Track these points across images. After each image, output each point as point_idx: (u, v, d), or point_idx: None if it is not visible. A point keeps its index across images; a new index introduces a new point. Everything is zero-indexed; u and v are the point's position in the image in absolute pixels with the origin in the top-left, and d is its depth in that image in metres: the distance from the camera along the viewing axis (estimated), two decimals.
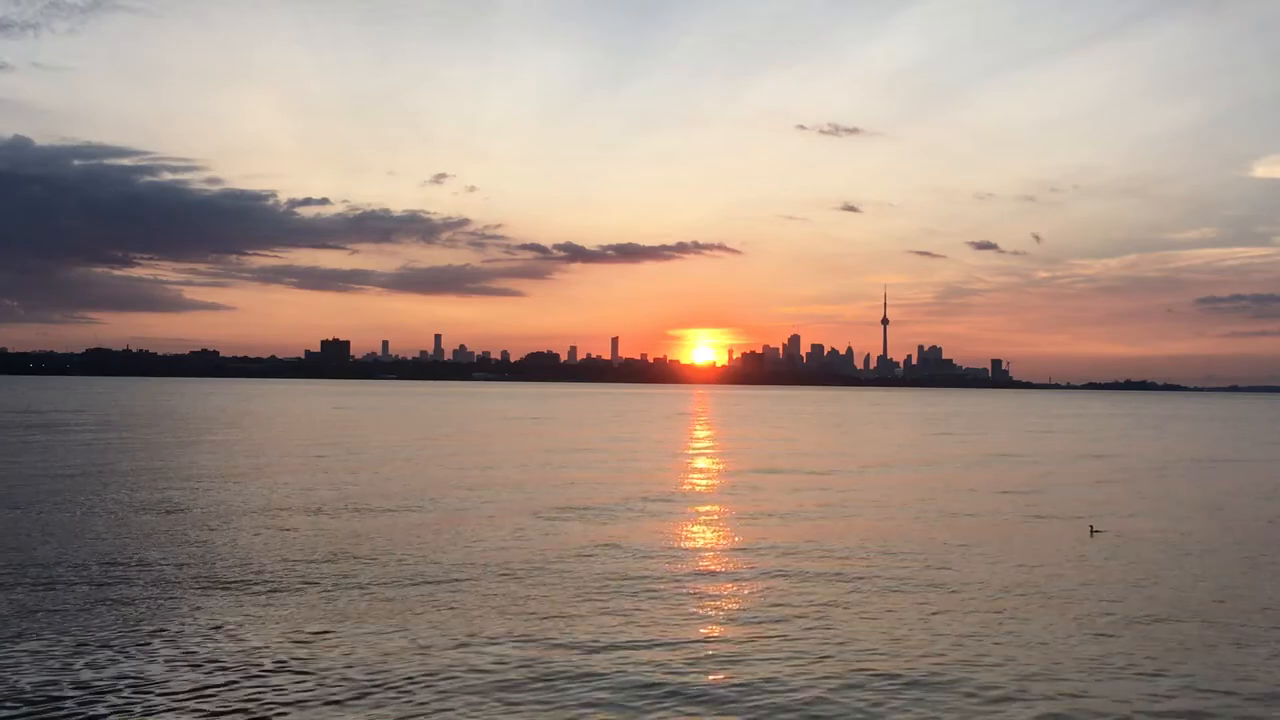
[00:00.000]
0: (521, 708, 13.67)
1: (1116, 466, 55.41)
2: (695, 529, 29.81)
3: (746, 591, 21.05)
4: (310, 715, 13.31)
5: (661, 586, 21.26)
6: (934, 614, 19.11)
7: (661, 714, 13.55)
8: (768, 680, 14.96)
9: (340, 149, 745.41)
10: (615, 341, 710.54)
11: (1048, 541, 27.98)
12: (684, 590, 20.97)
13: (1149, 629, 18.28)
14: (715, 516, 32.60)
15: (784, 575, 22.62)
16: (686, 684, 14.73)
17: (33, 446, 55.97)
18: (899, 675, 15.29)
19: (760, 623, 18.37)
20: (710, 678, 15.03)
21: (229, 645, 16.27)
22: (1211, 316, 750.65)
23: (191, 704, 13.58)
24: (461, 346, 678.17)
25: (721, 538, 28.21)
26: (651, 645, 16.68)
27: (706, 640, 17.08)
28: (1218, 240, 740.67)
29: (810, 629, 17.88)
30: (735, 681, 14.90)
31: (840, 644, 16.93)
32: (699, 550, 26.14)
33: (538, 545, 26.02)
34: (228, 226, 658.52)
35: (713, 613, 19.13)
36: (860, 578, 22.44)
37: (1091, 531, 29.75)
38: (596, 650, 16.31)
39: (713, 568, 23.64)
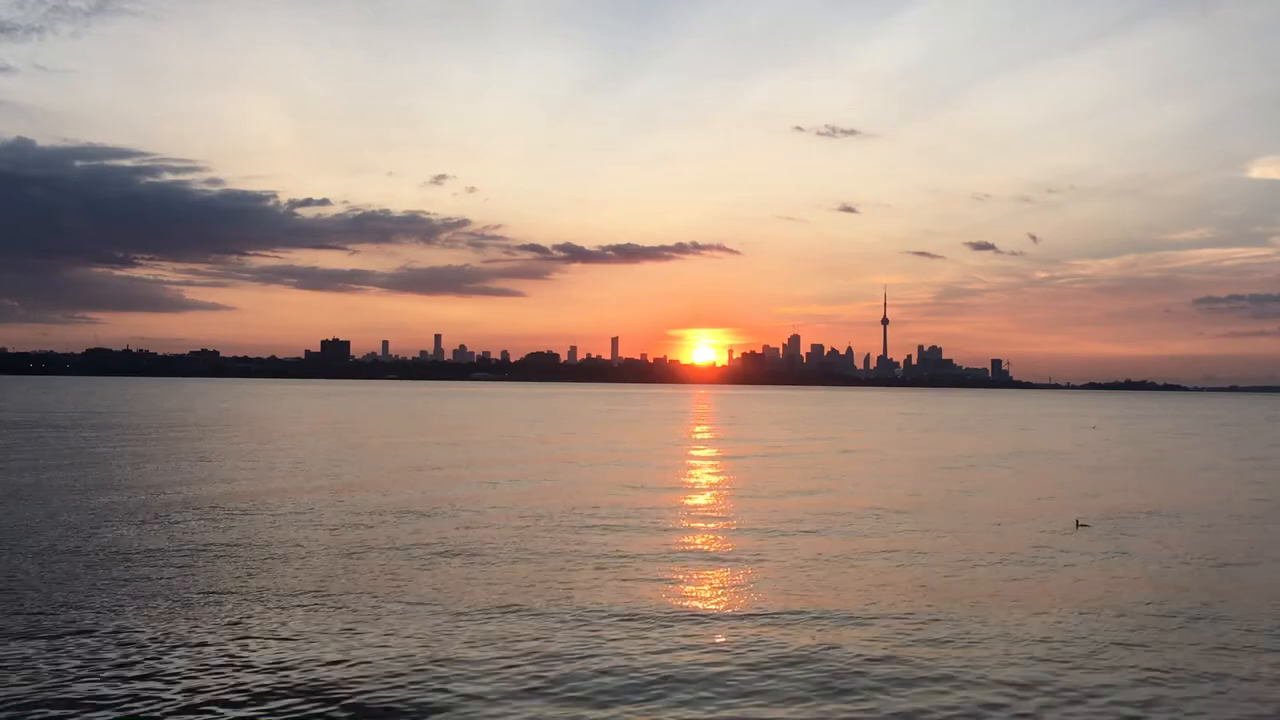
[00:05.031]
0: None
1: (1122, 464, 55.52)
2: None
3: (739, 585, 21.20)
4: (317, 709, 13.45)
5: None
6: (909, 603, 19.27)
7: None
8: (754, 677, 15.09)
9: (340, 149, 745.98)
10: (615, 341, 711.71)
11: (1033, 534, 28.10)
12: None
13: (1121, 621, 18.42)
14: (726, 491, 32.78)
15: (769, 566, 22.77)
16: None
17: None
18: (879, 668, 15.43)
19: (752, 619, 18.50)
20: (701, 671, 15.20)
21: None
22: (1210, 317, 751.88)
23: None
24: (461, 346, 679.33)
25: (723, 515, 28.40)
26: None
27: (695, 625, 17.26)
28: (1215, 241, 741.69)
29: (796, 622, 18.02)
30: (722, 680, 15.06)
31: (820, 637, 17.07)
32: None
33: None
34: (228, 227, 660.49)
35: (703, 598, 19.31)
36: (841, 568, 22.58)
37: (1077, 525, 29.89)
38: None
39: (707, 537, 23.84)
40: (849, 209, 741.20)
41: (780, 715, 13.21)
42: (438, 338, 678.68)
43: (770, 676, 14.67)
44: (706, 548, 25.57)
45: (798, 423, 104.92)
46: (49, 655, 15.08)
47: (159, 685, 13.86)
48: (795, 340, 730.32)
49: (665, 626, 17.38)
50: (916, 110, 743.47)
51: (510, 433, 76.69)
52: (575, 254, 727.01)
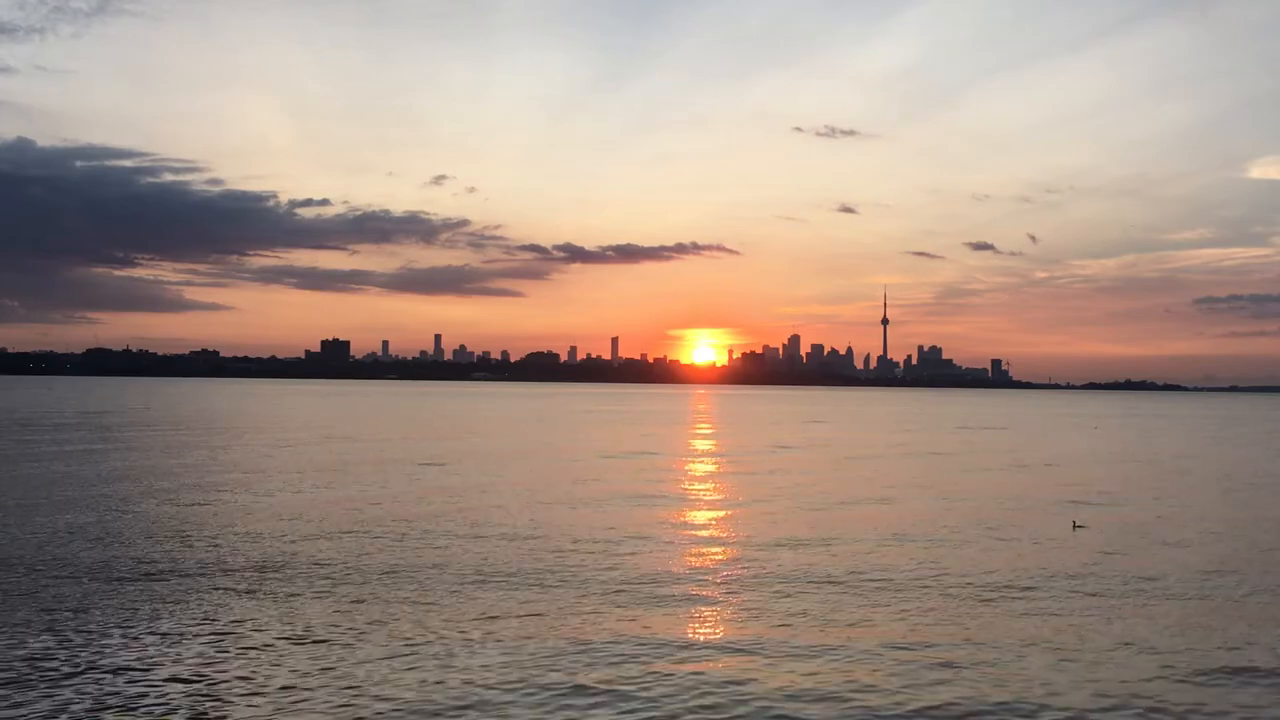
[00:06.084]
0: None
1: (1120, 465, 55.57)
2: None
3: (744, 587, 21.27)
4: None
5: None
6: (905, 605, 19.35)
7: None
8: (751, 676, 15.15)
9: (340, 150, 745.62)
10: (615, 341, 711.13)
11: (1030, 535, 28.16)
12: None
13: (1115, 622, 18.49)
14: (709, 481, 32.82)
15: (776, 566, 22.84)
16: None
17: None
18: (879, 683, 15.49)
19: (751, 618, 18.58)
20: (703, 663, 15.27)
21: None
22: (1210, 317, 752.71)
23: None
24: (462, 346, 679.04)
25: (700, 514, 28.46)
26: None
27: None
28: (1215, 241, 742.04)
29: (793, 624, 18.09)
30: (732, 673, 15.12)
31: (814, 648, 17.12)
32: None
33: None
34: (228, 227, 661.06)
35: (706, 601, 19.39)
36: (837, 579, 22.64)
37: (1074, 526, 29.96)
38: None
39: (701, 542, 23.89)
40: (849, 209, 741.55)
41: None
42: (438, 338, 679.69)
43: (773, 676, 14.75)
44: (688, 560, 25.65)
45: (797, 423, 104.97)
46: None
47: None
48: (795, 340, 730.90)
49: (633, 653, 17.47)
50: (916, 110, 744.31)
51: (497, 431, 76.81)
52: (575, 254, 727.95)
